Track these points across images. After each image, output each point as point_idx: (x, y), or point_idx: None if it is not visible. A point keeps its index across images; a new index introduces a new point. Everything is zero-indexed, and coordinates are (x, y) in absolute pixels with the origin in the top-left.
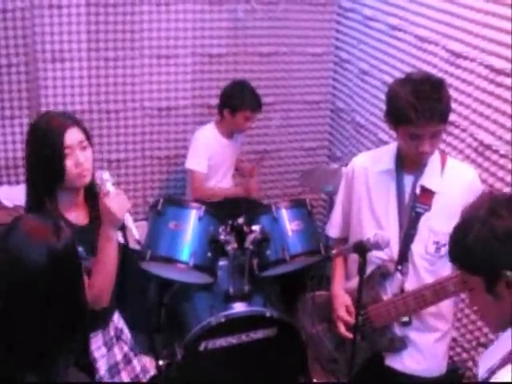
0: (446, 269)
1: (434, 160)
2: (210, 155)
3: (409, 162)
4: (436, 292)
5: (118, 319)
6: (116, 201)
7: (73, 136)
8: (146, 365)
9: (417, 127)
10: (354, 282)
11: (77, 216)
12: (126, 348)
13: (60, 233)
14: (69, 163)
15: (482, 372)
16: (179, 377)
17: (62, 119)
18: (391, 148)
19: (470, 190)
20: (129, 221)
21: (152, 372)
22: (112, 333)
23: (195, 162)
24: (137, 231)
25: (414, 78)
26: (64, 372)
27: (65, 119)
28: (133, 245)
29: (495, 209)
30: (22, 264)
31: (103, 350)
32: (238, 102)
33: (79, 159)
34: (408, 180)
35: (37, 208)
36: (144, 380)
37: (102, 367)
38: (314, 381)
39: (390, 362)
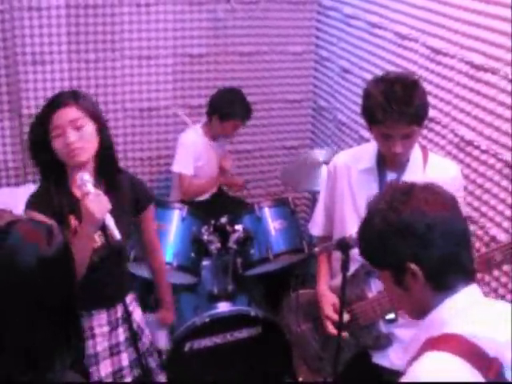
0: None
1: (416, 157)
2: (195, 157)
3: (388, 160)
4: None
5: (130, 303)
6: (95, 201)
7: (65, 115)
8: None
9: (386, 128)
10: (339, 280)
11: None
12: (131, 332)
13: (51, 239)
14: (57, 144)
15: (403, 364)
16: (165, 377)
17: (57, 98)
18: (372, 146)
19: (452, 186)
20: (110, 221)
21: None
22: (119, 314)
23: (182, 165)
24: (117, 231)
25: (388, 78)
26: (60, 375)
27: (60, 98)
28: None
29: (392, 201)
30: (13, 266)
31: (105, 328)
32: (228, 112)
33: (67, 139)
34: (391, 177)
35: (44, 180)
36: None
37: (101, 345)
38: (300, 379)
39: (377, 359)
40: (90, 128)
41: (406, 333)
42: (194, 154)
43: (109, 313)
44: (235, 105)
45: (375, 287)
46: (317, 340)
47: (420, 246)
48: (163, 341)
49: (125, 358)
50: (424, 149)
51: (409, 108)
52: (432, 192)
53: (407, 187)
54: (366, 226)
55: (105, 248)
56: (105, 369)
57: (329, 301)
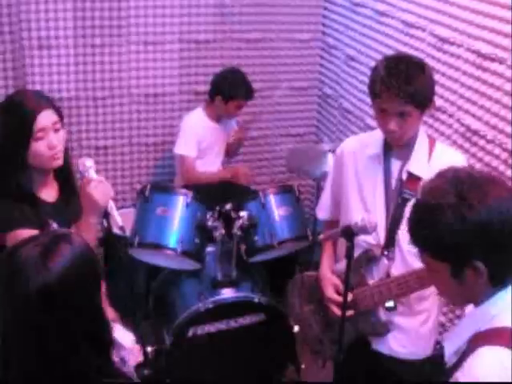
0: None
1: (422, 145)
2: (198, 139)
3: (395, 147)
4: (419, 278)
5: None
6: (98, 188)
7: (46, 118)
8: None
9: (382, 101)
10: (342, 265)
11: (47, 193)
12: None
13: (49, 262)
14: (42, 146)
15: (448, 354)
16: (168, 363)
17: (37, 100)
18: (379, 133)
19: None
20: (112, 208)
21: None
22: None
23: (184, 147)
24: (120, 218)
25: (397, 56)
26: None
27: (39, 100)
28: (117, 231)
29: (464, 195)
30: (19, 294)
31: None
32: (231, 91)
33: (52, 142)
34: (396, 165)
35: (6, 186)
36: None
37: None
38: (302, 366)
39: (377, 345)
40: (63, 132)
41: (405, 321)
42: (196, 136)
43: None
44: (238, 85)
45: (377, 274)
46: (318, 323)
47: (492, 248)
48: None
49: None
50: (431, 138)
51: (407, 86)
52: (502, 186)
53: (472, 179)
54: (431, 217)
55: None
56: None
57: (330, 283)
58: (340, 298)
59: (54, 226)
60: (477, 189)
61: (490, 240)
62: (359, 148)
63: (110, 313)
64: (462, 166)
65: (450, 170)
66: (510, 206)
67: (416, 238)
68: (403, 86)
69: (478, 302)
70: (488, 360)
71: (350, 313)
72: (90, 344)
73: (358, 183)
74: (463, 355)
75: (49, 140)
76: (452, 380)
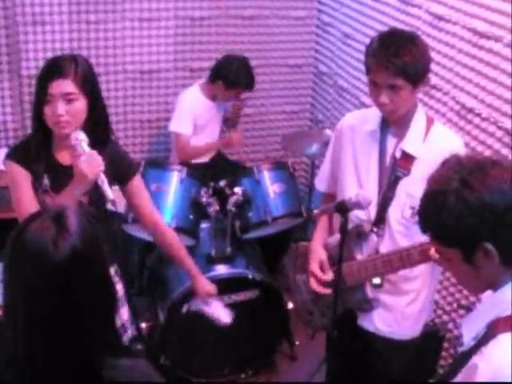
0: (421, 234)
1: (418, 124)
2: (194, 117)
3: (392, 123)
4: (401, 258)
5: (114, 274)
6: (88, 162)
7: (59, 87)
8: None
9: (373, 73)
10: (334, 238)
11: (62, 156)
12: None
13: (60, 241)
14: (48, 110)
15: (467, 339)
16: (161, 339)
17: (62, 66)
18: (378, 110)
19: None
20: (103, 182)
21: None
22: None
23: (179, 124)
24: (111, 192)
25: (391, 30)
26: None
27: (64, 67)
28: (108, 206)
29: (466, 179)
30: (30, 271)
31: None
32: (234, 80)
33: (57, 110)
34: (391, 142)
35: (33, 136)
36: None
37: None
38: (296, 343)
39: (362, 321)
40: (79, 104)
41: (391, 299)
42: (192, 113)
43: None
44: (242, 74)
45: (366, 250)
46: (309, 293)
47: (498, 227)
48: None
49: (124, 313)
50: (429, 118)
51: (396, 58)
52: (504, 168)
53: (475, 163)
54: (437, 205)
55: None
56: None
57: (317, 257)
58: (322, 276)
59: (45, 181)
60: (479, 172)
61: (495, 221)
62: (358, 124)
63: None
64: (464, 152)
65: (454, 157)
66: (507, 185)
67: (425, 226)
68: (393, 59)
69: (495, 287)
70: (509, 347)
71: (327, 291)
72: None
73: (355, 158)
74: (482, 340)
75: (55, 107)
76: (470, 364)
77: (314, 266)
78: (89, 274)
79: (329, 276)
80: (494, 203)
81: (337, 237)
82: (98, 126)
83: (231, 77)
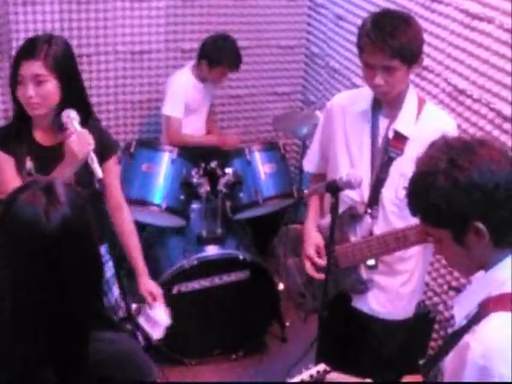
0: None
1: (410, 105)
2: (186, 101)
3: (384, 104)
4: (397, 240)
5: (104, 253)
6: (78, 141)
7: (29, 68)
8: None
9: (367, 55)
10: (327, 220)
11: (42, 137)
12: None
13: (52, 212)
14: (19, 91)
15: (458, 319)
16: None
17: (34, 47)
18: (369, 90)
19: None
20: (93, 160)
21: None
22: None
23: (171, 108)
24: (100, 171)
25: (384, 11)
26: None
27: (36, 48)
28: (96, 185)
29: (455, 159)
30: (19, 241)
31: None
32: (217, 58)
33: (27, 91)
34: (383, 123)
35: (14, 119)
36: None
37: None
38: (287, 324)
39: (356, 303)
40: (50, 85)
41: (386, 280)
42: (185, 97)
43: None
44: (225, 52)
45: (360, 232)
46: (300, 276)
47: (488, 206)
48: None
49: (112, 295)
50: (421, 99)
51: (392, 40)
52: (492, 148)
53: (463, 143)
54: (425, 186)
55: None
56: None
57: (313, 242)
58: (319, 261)
59: (28, 164)
60: (467, 152)
61: (485, 199)
62: (348, 104)
63: (154, 287)
64: (456, 132)
65: (441, 138)
66: (500, 165)
67: (414, 208)
68: (389, 40)
69: (487, 267)
70: (501, 326)
71: (320, 276)
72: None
73: (346, 138)
74: (474, 319)
75: (25, 89)
76: (461, 343)
77: (311, 251)
78: (78, 245)
79: (322, 262)
80: (483, 182)
81: (329, 218)
82: (76, 107)
83: (214, 55)
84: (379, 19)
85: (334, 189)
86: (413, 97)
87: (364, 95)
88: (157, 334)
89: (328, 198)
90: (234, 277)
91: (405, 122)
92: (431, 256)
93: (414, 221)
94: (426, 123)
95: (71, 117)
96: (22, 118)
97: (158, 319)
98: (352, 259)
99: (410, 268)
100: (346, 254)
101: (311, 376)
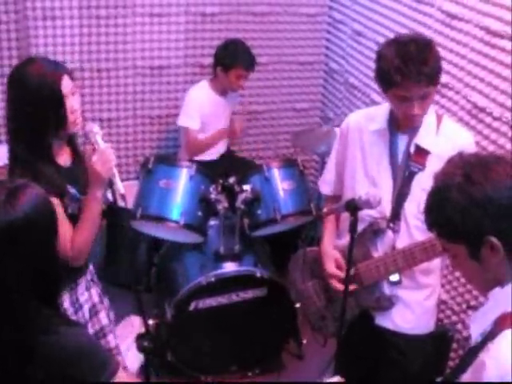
0: None
1: (430, 120)
2: (202, 112)
3: (402, 123)
4: (425, 250)
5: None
6: (101, 160)
7: (66, 83)
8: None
9: (404, 90)
10: (345, 240)
11: (63, 159)
12: (98, 289)
13: (14, 202)
14: (66, 108)
15: (474, 335)
16: (169, 336)
17: (53, 68)
18: (385, 107)
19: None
20: (115, 175)
21: (141, 330)
22: (89, 276)
23: (187, 119)
24: (122, 186)
25: (401, 39)
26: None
27: (56, 68)
28: (119, 201)
29: (469, 174)
30: None
31: (86, 294)
32: (231, 60)
33: (74, 106)
34: (402, 139)
35: (34, 156)
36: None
37: (86, 311)
38: (304, 341)
39: (380, 320)
40: (77, 95)
41: (410, 294)
42: (200, 108)
43: (86, 277)
44: (237, 54)
45: (382, 247)
46: (320, 298)
47: (503, 221)
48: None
49: (103, 316)
50: (438, 114)
51: (425, 68)
52: (509, 164)
53: (478, 159)
54: (440, 200)
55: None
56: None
57: (331, 258)
58: (341, 273)
59: (72, 191)
60: (482, 167)
61: (499, 213)
62: (364, 123)
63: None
64: (473, 147)
65: (458, 154)
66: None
67: (430, 222)
68: (422, 69)
69: (503, 283)
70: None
71: (353, 287)
72: (41, 289)
73: (363, 158)
74: (489, 336)
75: (70, 105)
76: (477, 361)
77: (331, 267)
78: (23, 250)
79: (351, 272)
80: (498, 197)
81: (347, 238)
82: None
83: (227, 58)
84: (404, 50)
85: (353, 208)
86: (431, 111)
87: (379, 113)
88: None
89: (346, 217)
90: (251, 294)
91: (426, 136)
92: (445, 269)
93: None
94: (446, 138)
95: (94, 131)
96: (44, 144)
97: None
98: (376, 275)
99: (433, 282)
100: (369, 270)
101: None
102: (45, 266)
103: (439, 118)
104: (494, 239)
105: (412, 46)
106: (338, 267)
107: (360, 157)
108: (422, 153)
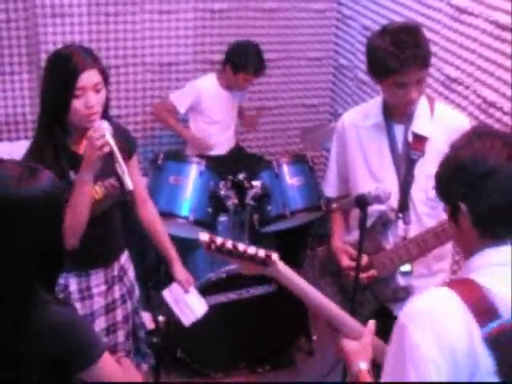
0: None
1: (423, 106)
2: (196, 100)
3: (397, 113)
4: (437, 235)
5: (125, 260)
6: (88, 143)
7: (89, 78)
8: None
9: (401, 75)
10: (355, 236)
11: (82, 148)
12: (124, 289)
13: (24, 181)
14: (79, 104)
15: None
16: (179, 333)
17: (83, 58)
18: (377, 101)
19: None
20: (124, 172)
21: (150, 326)
22: (115, 272)
23: (178, 98)
24: (131, 183)
25: (390, 28)
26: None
27: (86, 58)
28: (127, 197)
29: (455, 143)
30: None
31: (103, 287)
32: (241, 63)
33: (90, 101)
34: (399, 129)
35: (45, 135)
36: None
37: (97, 303)
38: (314, 337)
39: (398, 311)
40: (104, 93)
41: (424, 282)
42: (196, 95)
43: (106, 271)
44: (248, 58)
45: (393, 238)
46: (335, 295)
47: (472, 192)
48: (199, 308)
49: (119, 314)
50: (430, 98)
51: (420, 51)
52: (503, 139)
53: (482, 130)
54: (439, 166)
55: (107, 200)
56: (99, 325)
57: (344, 251)
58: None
59: (73, 177)
60: (474, 136)
61: (472, 183)
62: (359, 120)
63: (183, 273)
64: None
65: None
66: (502, 158)
67: (435, 188)
68: (417, 53)
69: (472, 254)
70: (429, 293)
71: (372, 272)
72: (44, 269)
73: (364, 154)
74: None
75: (87, 99)
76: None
77: (345, 260)
78: (37, 223)
79: (363, 260)
80: (474, 165)
81: (356, 234)
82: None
83: (238, 60)
84: (397, 37)
85: (363, 203)
86: (422, 97)
87: (372, 108)
88: (188, 320)
89: (355, 213)
90: (261, 290)
91: (421, 123)
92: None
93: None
94: (441, 122)
95: (104, 127)
96: (61, 134)
97: (192, 307)
98: (391, 266)
99: (446, 267)
100: (383, 262)
101: None
102: (51, 246)
103: (431, 102)
104: (463, 206)
105: (403, 33)
106: (352, 259)
107: (360, 155)
108: (420, 140)
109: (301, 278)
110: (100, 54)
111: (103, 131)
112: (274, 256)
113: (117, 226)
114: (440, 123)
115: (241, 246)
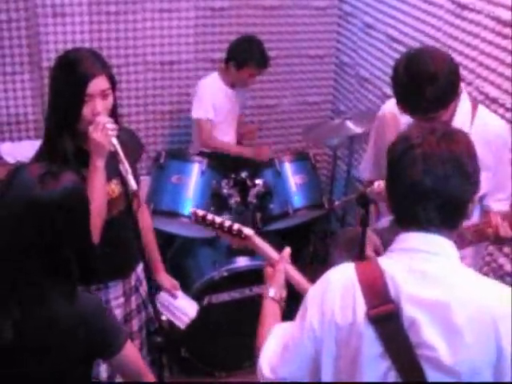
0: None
1: (464, 108)
2: (213, 102)
3: None
4: (476, 232)
5: (141, 271)
6: (97, 128)
7: (97, 85)
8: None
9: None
10: (385, 223)
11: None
12: (140, 299)
13: (49, 184)
14: (86, 110)
15: None
16: (183, 332)
17: (93, 63)
18: None
19: (495, 144)
20: (127, 172)
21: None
22: (133, 283)
23: (201, 111)
24: (134, 182)
25: (401, 67)
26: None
27: (94, 64)
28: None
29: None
30: (9, 203)
31: (121, 299)
32: (244, 58)
33: (96, 109)
34: None
35: (54, 137)
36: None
37: (118, 316)
38: None
39: None
40: (111, 98)
41: None
42: (211, 98)
43: (124, 283)
44: (251, 53)
45: None
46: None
47: (391, 173)
48: (190, 309)
49: (134, 324)
50: (474, 102)
51: (422, 101)
52: (449, 135)
53: (440, 127)
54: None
55: (123, 200)
56: None
57: (372, 242)
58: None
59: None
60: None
61: (389, 165)
62: (398, 112)
63: (168, 280)
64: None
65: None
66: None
67: None
68: (418, 104)
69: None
70: (340, 267)
71: None
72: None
73: None
74: None
75: (94, 106)
76: None
77: (369, 251)
78: (70, 222)
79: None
80: (393, 150)
81: (386, 221)
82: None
83: (241, 56)
84: (399, 82)
85: (364, 201)
86: (465, 101)
87: None
88: (183, 323)
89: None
90: (264, 288)
91: (461, 123)
92: (481, 260)
93: (471, 221)
94: (480, 127)
95: (105, 120)
96: (70, 138)
97: (183, 310)
98: None
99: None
100: None
101: None
102: (80, 243)
103: (474, 107)
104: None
105: (404, 77)
106: (376, 253)
107: None
108: None
109: (275, 251)
110: (101, 53)
111: (106, 120)
112: (246, 230)
113: (131, 233)
114: (480, 128)
115: (218, 219)
